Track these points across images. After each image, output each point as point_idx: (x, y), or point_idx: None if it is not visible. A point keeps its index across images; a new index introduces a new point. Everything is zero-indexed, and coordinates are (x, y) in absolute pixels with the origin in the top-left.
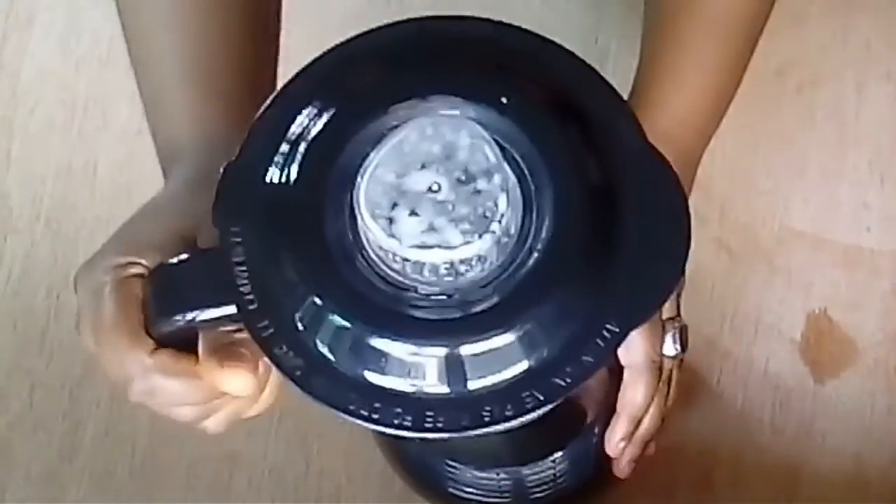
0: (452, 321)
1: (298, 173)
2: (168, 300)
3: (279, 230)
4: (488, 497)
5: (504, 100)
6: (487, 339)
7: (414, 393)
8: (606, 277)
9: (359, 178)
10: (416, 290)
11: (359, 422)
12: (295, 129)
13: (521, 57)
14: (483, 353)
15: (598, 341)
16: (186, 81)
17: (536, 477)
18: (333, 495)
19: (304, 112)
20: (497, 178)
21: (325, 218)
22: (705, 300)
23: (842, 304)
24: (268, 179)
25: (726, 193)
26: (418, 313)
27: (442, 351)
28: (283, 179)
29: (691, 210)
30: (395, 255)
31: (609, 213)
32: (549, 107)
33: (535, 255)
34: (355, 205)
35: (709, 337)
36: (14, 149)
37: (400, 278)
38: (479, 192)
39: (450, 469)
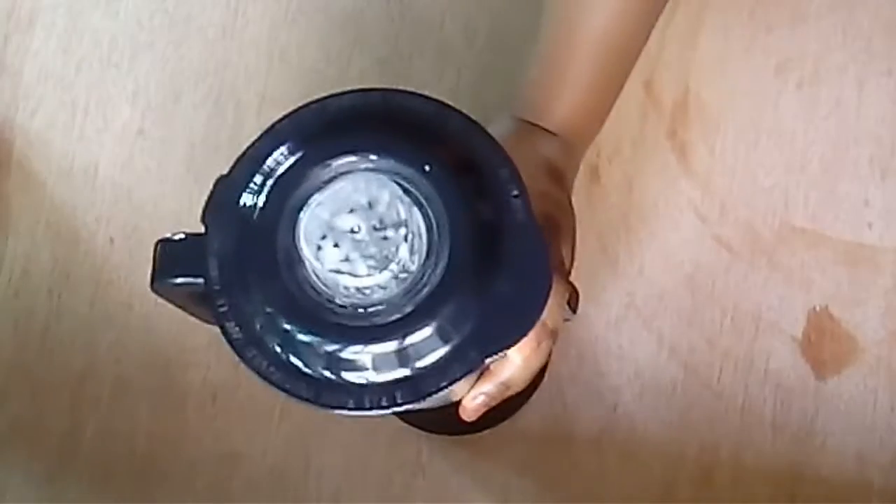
0: (388, 324)
1: (265, 202)
2: (162, 266)
3: (245, 249)
4: None
5: (426, 164)
6: (414, 332)
7: (365, 383)
8: (485, 301)
9: (302, 213)
10: (350, 307)
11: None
12: (270, 162)
13: (436, 125)
14: (416, 343)
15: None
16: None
17: None
18: (333, 495)
19: (279, 150)
20: (402, 231)
21: (279, 243)
22: (705, 298)
23: (843, 302)
24: (241, 203)
25: (726, 190)
26: (355, 322)
27: (392, 346)
28: (253, 204)
29: (691, 208)
30: (316, 273)
31: (490, 251)
32: (452, 165)
33: (438, 276)
34: (296, 232)
35: (709, 335)
36: (15, 149)
37: (330, 295)
38: (386, 238)
39: None
